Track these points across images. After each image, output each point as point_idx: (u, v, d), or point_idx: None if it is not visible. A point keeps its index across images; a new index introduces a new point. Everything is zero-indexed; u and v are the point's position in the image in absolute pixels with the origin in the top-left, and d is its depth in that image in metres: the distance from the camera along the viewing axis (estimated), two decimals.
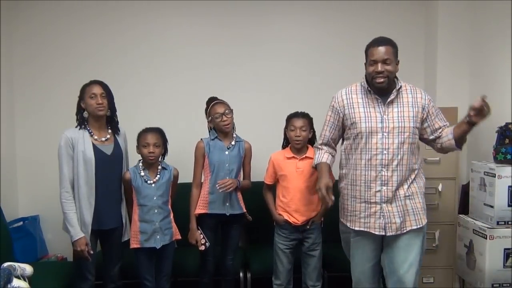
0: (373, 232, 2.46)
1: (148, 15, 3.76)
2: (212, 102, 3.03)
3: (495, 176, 2.80)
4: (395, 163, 2.41)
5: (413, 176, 2.48)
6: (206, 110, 3.06)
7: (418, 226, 2.45)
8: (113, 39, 3.75)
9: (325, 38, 3.84)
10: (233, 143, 3.03)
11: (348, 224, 2.56)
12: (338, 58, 3.82)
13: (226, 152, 3.00)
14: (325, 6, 3.82)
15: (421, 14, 3.84)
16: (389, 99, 2.45)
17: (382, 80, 2.40)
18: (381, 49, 2.38)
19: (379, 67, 2.38)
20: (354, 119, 2.50)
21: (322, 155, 2.65)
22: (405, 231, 2.44)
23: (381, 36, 2.47)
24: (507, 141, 2.90)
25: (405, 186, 2.45)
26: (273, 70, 3.83)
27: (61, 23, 3.71)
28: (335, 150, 2.72)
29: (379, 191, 2.43)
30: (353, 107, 2.51)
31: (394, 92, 2.45)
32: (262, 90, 3.83)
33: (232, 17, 3.79)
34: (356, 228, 2.52)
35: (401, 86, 2.48)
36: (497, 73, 3.24)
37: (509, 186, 2.79)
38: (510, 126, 2.92)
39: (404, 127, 2.42)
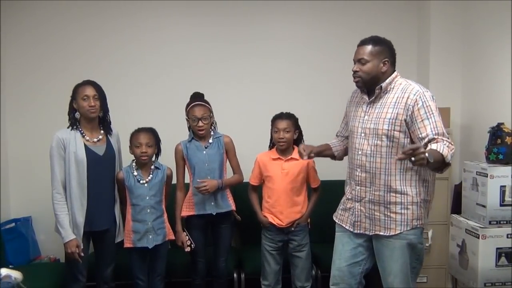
0: (344, 226, 2.48)
1: (140, 14, 3.74)
2: (194, 100, 2.98)
3: (487, 176, 2.82)
4: (367, 165, 2.34)
5: (395, 183, 2.29)
6: (186, 106, 3.01)
7: (386, 234, 2.32)
8: (105, 38, 3.73)
9: (316, 38, 3.84)
10: (210, 141, 2.98)
11: (334, 215, 2.58)
12: (329, 58, 3.83)
13: (204, 152, 2.95)
14: (316, 6, 3.82)
15: (413, 14, 3.85)
16: (370, 99, 2.37)
17: (356, 80, 2.36)
18: (358, 49, 2.34)
19: (355, 66, 2.35)
20: (349, 117, 2.52)
21: (331, 140, 2.71)
22: (373, 233, 2.37)
23: (372, 35, 2.39)
24: (499, 141, 2.91)
25: (381, 192, 2.31)
26: (264, 70, 3.84)
27: (52, 22, 3.69)
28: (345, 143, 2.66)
29: (354, 189, 2.43)
30: (350, 105, 2.54)
31: (376, 91, 2.33)
32: (251, 90, 3.83)
33: (224, 17, 3.79)
34: (335, 219, 2.55)
35: (389, 84, 2.32)
36: (490, 74, 3.25)
37: (501, 186, 2.80)
38: (502, 126, 2.93)
39: (378, 129, 2.29)
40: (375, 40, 2.33)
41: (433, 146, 2.13)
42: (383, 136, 2.28)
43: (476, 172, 2.93)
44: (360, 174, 2.38)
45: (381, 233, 2.35)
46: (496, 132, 2.93)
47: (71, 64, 3.68)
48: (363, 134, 2.37)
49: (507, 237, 2.80)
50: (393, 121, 2.26)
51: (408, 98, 2.25)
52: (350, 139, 2.48)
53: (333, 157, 2.70)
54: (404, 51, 3.81)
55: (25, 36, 3.68)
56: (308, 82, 3.85)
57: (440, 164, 2.11)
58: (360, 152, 2.37)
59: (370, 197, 2.36)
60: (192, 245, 2.95)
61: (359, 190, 2.40)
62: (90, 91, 2.70)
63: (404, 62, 3.84)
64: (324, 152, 2.65)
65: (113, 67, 3.71)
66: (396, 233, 2.32)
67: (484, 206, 2.85)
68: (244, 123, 3.63)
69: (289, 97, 3.71)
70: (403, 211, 2.30)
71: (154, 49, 3.77)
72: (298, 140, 3.05)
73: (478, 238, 2.82)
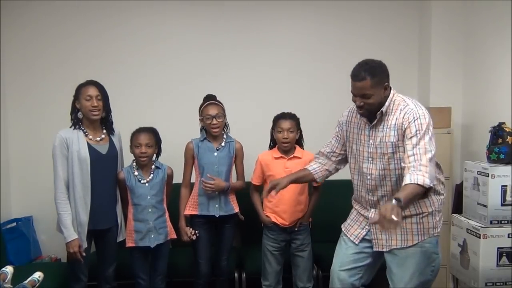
0: (349, 236, 2.45)
1: (143, 13, 3.74)
2: (208, 101, 3.00)
3: (488, 176, 2.82)
4: (379, 189, 2.31)
5: None
6: (200, 107, 3.04)
7: (402, 246, 2.30)
8: (108, 38, 3.73)
9: (317, 40, 3.85)
10: (223, 144, 3.00)
11: (344, 230, 2.54)
12: (329, 60, 3.83)
13: (215, 154, 2.97)
14: (318, 9, 3.83)
15: (414, 15, 3.86)
16: (372, 123, 2.31)
17: (361, 112, 2.30)
18: (358, 84, 2.21)
19: (357, 101, 2.25)
20: (348, 139, 2.47)
21: (310, 164, 2.64)
22: (389, 249, 2.33)
23: (363, 62, 2.24)
24: (500, 140, 2.91)
25: None
26: (264, 71, 3.84)
27: (54, 21, 3.68)
28: (334, 164, 2.59)
29: (369, 210, 2.40)
30: (350, 126, 2.45)
31: (378, 115, 2.27)
32: (252, 90, 3.83)
33: (226, 19, 3.79)
34: (342, 227, 2.53)
35: (388, 107, 2.26)
36: (491, 73, 3.26)
37: (502, 186, 2.81)
38: (503, 126, 2.93)
39: (383, 153, 2.26)
40: (371, 71, 2.20)
41: (406, 178, 2.05)
42: (390, 160, 2.26)
43: (477, 171, 2.93)
44: (373, 199, 2.35)
45: (398, 247, 2.31)
46: (497, 132, 2.94)
47: (73, 63, 3.68)
48: (370, 159, 2.32)
49: (508, 237, 2.80)
50: (396, 143, 2.23)
51: (403, 118, 2.21)
52: (355, 162, 2.43)
53: (314, 181, 2.68)
54: (406, 51, 3.84)
55: (25, 35, 3.68)
56: (309, 82, 3.85)
57: (422, 193, 2.07)
58: (369, 177, 2.33)
59: None
60: (197, 232, 2.95)
61: (373, 212, 2.35)
62: (93, 91, 2.70)
63: (406, 62, 3.88)
64: (301, 179, 2.61)
65: (115, 66, 3.71)
66: (413, 243, 2.29)
67: (485, 206, 2.85)
68: (244, 123, 3.63)
69: (290, 98, 3.72)
70: (418, 221, 2.29)
71: (156, 50, 3.77)
72: (299, 140, 3.05)
73: (479, 237, 2.82)
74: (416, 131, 2.14)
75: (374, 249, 2.38)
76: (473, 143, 3.44)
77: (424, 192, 2.09)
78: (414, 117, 2.17)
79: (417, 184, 2.01)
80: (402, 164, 2.17)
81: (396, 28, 3.84)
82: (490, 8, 3.24)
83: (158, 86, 3.79)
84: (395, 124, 2.23)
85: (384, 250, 2.35)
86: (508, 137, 2.88)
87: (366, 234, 2.40)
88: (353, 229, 2.47)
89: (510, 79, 2.98)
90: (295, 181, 2.57)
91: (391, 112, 2.27)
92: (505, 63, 3.04)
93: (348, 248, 2.46)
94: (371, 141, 2.32)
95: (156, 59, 3.77)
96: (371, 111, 2.27)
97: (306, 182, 2.73)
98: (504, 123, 2.94)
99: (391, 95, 2.28)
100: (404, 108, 2.24)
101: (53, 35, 3.69)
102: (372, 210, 2.37)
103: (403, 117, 2.21)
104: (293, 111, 3.04)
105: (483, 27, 3.35)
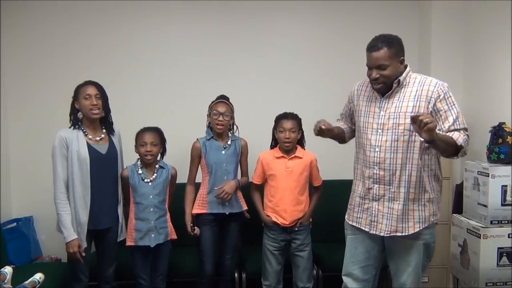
0: (363, 228, 2.43)
1: (143, 13, 3.74)
2: (219, 99, 3.04)
3: (488, 176, 2.82)
4: (387, 162, 2.29)
5: (415, 179, 2.28)
6: (210, 103, 3.07)
7: (403, 234, 2.31)
8: (108, 37, 3.72)
9: (318, 38, 3.85)
10: (229, 142, 3.05)
11: (346, 217, 2.54)
12: (332, 58, 3.84)
13: (223, 152, 3.00)
14: (319, 11, 3.83)
15: (415, 13, 3.86)
16: (387, 94, 2.31)
17: (377, 86, 2.29)
18: (374, 55, 2.23)
19: (373, 73, 2.26)
20: (356, 112, 2.47)
21: (340, 124, 2.65)
22: (388, 234, 2.34)
23: (380, 35, 2.29)
24: (500, 140, 2.92)
25: (402, 189, 2.29)
26: (266, 72, 3.83)
27: (55, 22, 3.68)
28: (351, 128, 2.61)
29: (371, 188, 2.37)
30: (359, 99, 2.45)
31: (394, 85, 2.28)
32: (254, 90, 3.83)
33: (229, 17, 3.79)
34: (350, 222, 2.51)
35: (405, 79, 2.28)
36: (491, 73, 3.26)
37: (502, 186, 2.81)
38: (503, 126, 2.93)
39: (399, 123, 2.25)
40: (388, 42, 2.24)
41: (456, 133, 2.18)
42: (405, 131, 2.24)
43: (478, 171, 2.93)
44: (377, 172, 2.32)
45: (397, 234, 2.33)
46: (498, 132, 2.94)
47: (72, 63, 3.68)
48: (380, 130, 2.31)
49: (508, 237, 2.80)
50: (416, 114, 2.19)
51: (428, 90, 2.24)
52: (361, 135, 2.41)
53: (342, 141, 2.66)
54: (406, 50, 3.79)
55: (25, 35, 3.67)
56: (311, 83, 3.85)
57: (452, 148, 2.16)
58: (377, 149, 2.31)
59: (390, 195, 2.32)
60: (197, 230, 2.97)
61: (377, 188, 2.35)
62: (92, 90, 2.71)
63: (406, 61, 3.86)
64: (337, 135, 2.57)
65: (115, 66, 3.71)
66: (414, 231, 2.31)
67: (485, 206, 2.85)
68: (245, 123, 3.63)
69: (291, 98, 3.72)
70: (420, 208, 2.31)
71: (159, 50, 3.76)
72: (300, 140, 3.05)
73: (480, 237, 2.82)
74: (451, 103, 2.23)
75: (371, 232, 2.38)
76: (473, 143, 3.40)
77: (454, 151, 2.18)
78: (443, 90, 2.24)
79: (451, 137, 2.15)
80: (445, 128, 2.20)
81: (396, 28, 3.75)
82: (490, 8, 3.24)
83: (161, 87, 3.78)
84: (415, 96, 2.24)
85: (382, 234, 2.36)
86: (508, 137, 2.88)
87: (372, 220, 2.39)
88: (363, 219, 2.43)
89: (510, 79, 2.98)
90: (332, 133, 2.47)
91: (407, 85, 2.28)
92: (505, 63, 3.04)
93: (358, 246, 2.47)
94: (382, 112, 2.31)
95: (161, 61, 3.77)
96: (387, 85, 2.28)
97: (336, 140, 2.63)
98: (504, 123, 2.94)
99: (407, 69, 2.30)
100: (425, 80, 2.27)
101: (53, 35, 3.69)
102: (376, 186, 2.35)
103: (428, 89, 2.23)
104: (295, 111, 3.05)
105: (483, 27, 3.35)
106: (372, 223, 2.38)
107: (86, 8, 3.69)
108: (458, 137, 2.17)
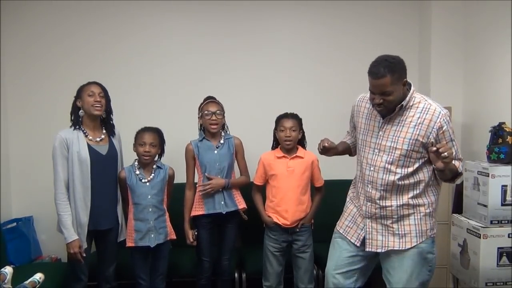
0: (349, 239, 2.41)
1: (145, 15, 3.74)
2: (208, 100, 3.04)
3: (488, 176, 2.82)
4: (379, 182, 2.27)
5: (407, 197, 2.27)
6: (199, 106, 3.07)
7: (400, 248, 2.28)
8: (109, 38, 3.73)
9: (318, 41, 3.85)
10: (221, 141, 3.04)
11: (337, 223, 2.53)
12: (330, 61, 3.84)
13: (215, 151, 3.00)
14: (319, 10, 3.83)
15: (414, 15, 3.86)
16: (389, 116, 2.26)
17: (380, 109, 2.25)
18: (375, 82, 2.16)
19: (377, 99, 2.20)
20: (356, 128, 2.46)
21: (347, 138, 2.68)
22: (385, 250, 2.31)
23: (381, 59, 2.17)
24: (500, 140, 2.91)
25: (394, 208, 2.28)
26: (266, 72, 3.83)
27: (55, 21, 3.68)
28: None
29: (365, 205, 2.36)
30: (359, 116, 2.43)
31: (397, 108, 2.22)
32: (254, 91, 3.83)
33: (228, 17, 3.79)
34: (338, 228, 2.49)
35: (408, 102, 2.23)
36: (491, 73, 3.26)
37: (502, 186, 2.81)
38: (503, 125, 2.93)
39: (396, 148, 2.23)
40: (390, 67, 2.14)
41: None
42: (400, 156, 2.23)
43: (478, 171, 2.93)
44: (371, 191, 2.32)
45: (395, 248, 2.29)
46: (498, 132, 2.94)
47: (73, 63, 3.68)
48: (376, 150, 2.30)
49: (508, 237, 2.80)
50: (413, 141, 2.21)
51: (431, 120, 2.20)
52: (360, 152, 2.41)
53: (350, 155, 2.67)
54: (406, 50, 3.80)
55: (25, 35, 3.67)
56: (311, 83, 3.85)
57: (452, 175, 2.25)
58: (372, 168, 2.31)
59: (382, 213, 2.31)
60: (195, 233, 2.98)
61: (370, 206, 2.33)
62: (96, 88, 2.73)
63: (406, 61, 3.84)
64: (343, 151, 2.61)
65: (115, 66, 3.71)
66: (412, 246, 2.28)
67: (485, 206, 2.85)
68: (246, 123, 3.63)
69: (292, 98, 3.72)
70: (417, 222, 2.29)
71: (158, 51, 3.76)
72: (301, 140, 3.05)
73: (480, 237, 2.82)
74: (453, 135, 2.25)
75: (367, 249, 2.35)
76: (473, 143, 3.44)
77: (453, 176, 2.28)
78: (445, 121, 2.21)
79: (454, 165, 2.22)
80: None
81: (396, 28, 3.84)
82: (490, 8, 3.24)
83: (160, 87, 3.78)
84: (416, 123, 2.21)
85: (378, 251, 2.33)
86: (508, 137, 2.88)
87: (368, 237, 2.37)
88: (352, 230, 2.43)
89: (510, 79, 2.98)
90: (336, 151, 2.52)
91: (409, 109, 2.24)
92: (505, 63, 3.04)
93: (342, 251, 2.43)
94: (380, 132, 2.29)
95: (159, 61, 3.77)
96: (390, 109, 2.24)
97: (344, 154, 2.66)
98: (504, 123, 2.94)
99: (411, 91, 2.25)
100: (429, 108, 2.22)
101: (53, 35, 3.69)
102: (368, 203, 2.34)
103: (431, 119, 2.20)
104: (295, 111, 3.06)
105: (483, 27, 3.35)
106: (367, 240, 2.36)
107: (86, 8, 3.69)
108: (458, 165, 2.27)
